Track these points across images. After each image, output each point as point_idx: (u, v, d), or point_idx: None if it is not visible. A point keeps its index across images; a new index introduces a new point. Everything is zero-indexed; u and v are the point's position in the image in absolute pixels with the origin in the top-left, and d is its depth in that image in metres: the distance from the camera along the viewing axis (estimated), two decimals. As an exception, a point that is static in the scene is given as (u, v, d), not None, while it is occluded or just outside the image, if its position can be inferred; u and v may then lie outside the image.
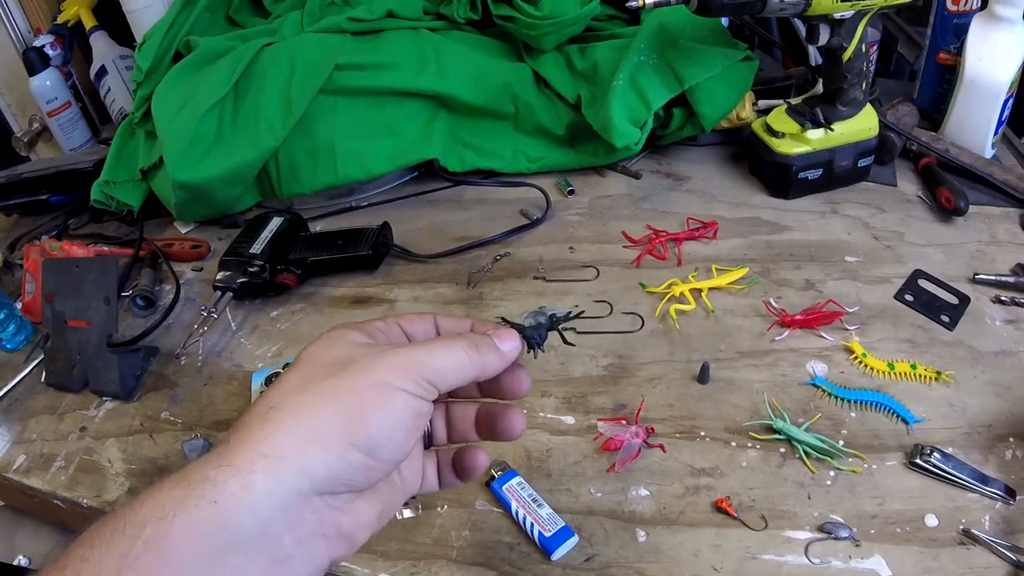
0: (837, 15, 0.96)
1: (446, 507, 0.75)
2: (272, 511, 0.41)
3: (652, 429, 0.79)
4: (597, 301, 0.96)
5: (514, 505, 0.73)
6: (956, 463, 0.74)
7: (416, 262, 1.06)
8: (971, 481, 0.73)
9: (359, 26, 1.16)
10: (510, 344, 0.52)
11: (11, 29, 1.47)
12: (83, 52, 1.49)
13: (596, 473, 0.77)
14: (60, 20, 1.47)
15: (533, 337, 0.55)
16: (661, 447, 0.78)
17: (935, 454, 0.74)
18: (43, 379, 0.95)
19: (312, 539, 0.43)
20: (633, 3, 0.92)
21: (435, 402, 0.48)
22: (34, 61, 1.39)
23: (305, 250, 1.03)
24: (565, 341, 0.59)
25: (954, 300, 0.93)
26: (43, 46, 1.42)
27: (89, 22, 1.45)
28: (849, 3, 0.94)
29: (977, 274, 0.95)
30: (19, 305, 1.04)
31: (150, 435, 0.86)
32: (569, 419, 0.82)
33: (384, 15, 1.17)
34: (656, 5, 0.92)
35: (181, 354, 0.95)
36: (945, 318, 0.91)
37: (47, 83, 1.40)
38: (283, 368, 0.90)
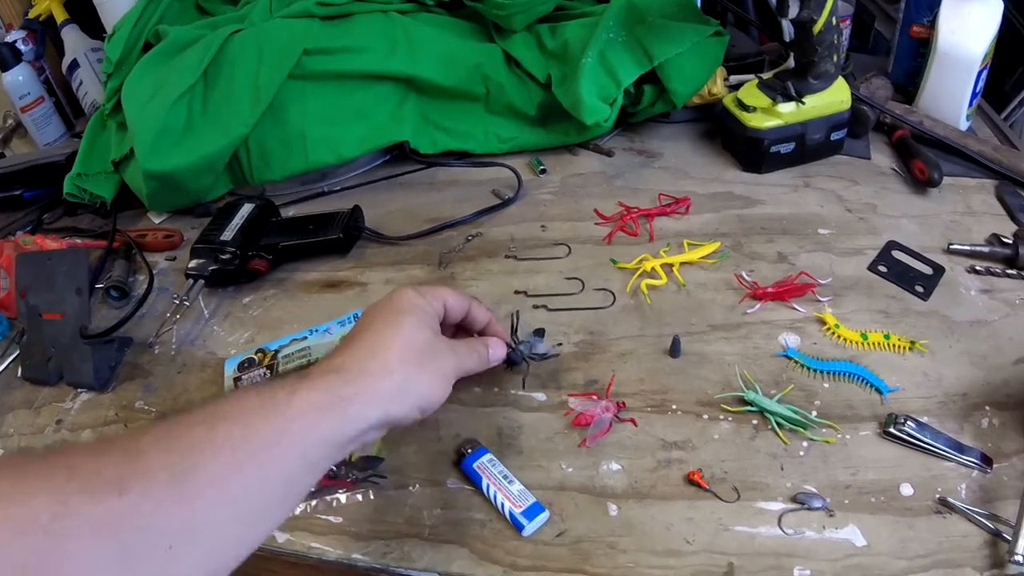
0: (806, -13, 0.95)
1: (418, 486, 0.75)
2: (364, 429, 0.60)
3: (623, 403, 0.79)
4: (569, 278, 0.96)
5: (485, 482, 0.72)
6: (931, 432, 0.74)
7: (388, 244, 1.06)
8: (947, 450, 0.73)
9: (328, 10, 1.15)
10: (498, 356, 0.77)
11: (-18, 25, 1.47)
12: (55, 46, 1.49)
13: (567, 449, 0.76)
14: (32, 15, 1.46)
15: (514, 359, 0.82)
16: (632, 421, 0.78)
17: (909, 423, 0.74)
18: (20, 374, 0.95)
19: (356, 443, 0.62)
20: None
21: None
22: (6, 57, 1.38)
23: (276, 235, 1.03)
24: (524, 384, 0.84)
25: (928, 270, 0.93)
26: (15, 41, 1.41)
27: (60, 16, 1.44)
28: (817, -26, 0.94)
29: (951, 244, 0.95)
30: (-7, 301, 1.03)
31: (124, 425, 0.86)
32: (540, 396, 0.82)
33: (352, -1, 1.17)
34: None
35: (154, 343, 0.94)
36: (919, 288, 0.91)
37: (20, 78, 1.39)
38: (256, 353, 0.89)
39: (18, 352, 0.96)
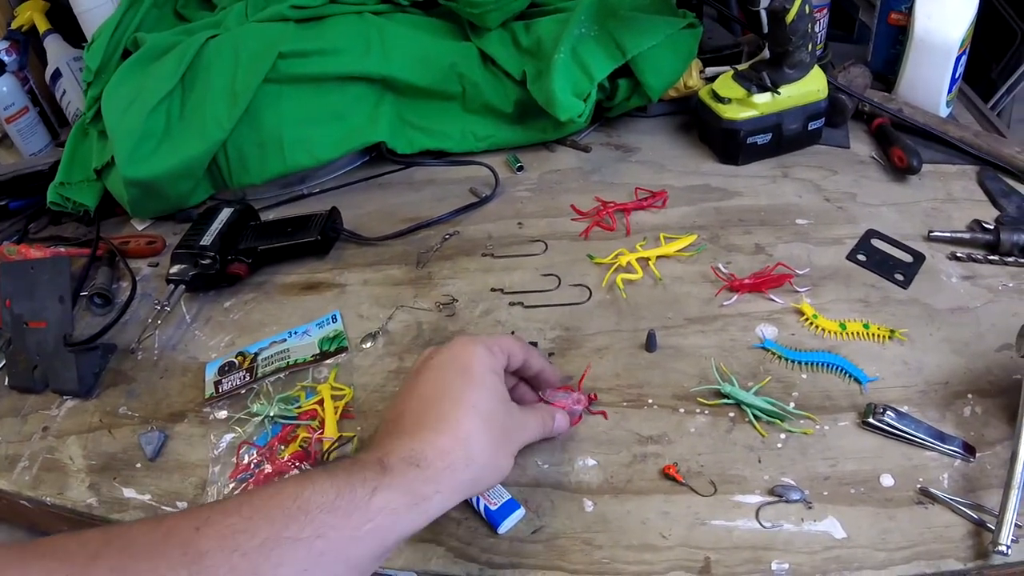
0: (777, -24, 0.95)
1: (394, 486, 0.75)
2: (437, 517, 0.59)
3: (595, 396, 0.79)
4: (545, 275, 0.96)
5: (459, 480, 0.73)
6: (911, 421, 0.74)
7: (366, 245, 1.06)
8: (928, 439, 0.72)
9: (302, 13, 1.15)
10: (561, 428, 0.74)
11: (-34, 37, 1.47)
12: (38, 56, 1.49)
13: (542, 445, 0.76)
14: (14, 25, 1.46)
15: None
16: (603, 414, 0.78)
17: (888, 413, 0.74)
18: (6, 382, 0.95)
19: None
20: None
21: None
22: (-10, 68, 1.38)
23: (255, 239, 1.03)
24: None
25: (908, 258, 0.93)
26: (-2, 52, 1.42)
27: (43, 25, 1.44)
28: (787, -37, 0.94)
29: (932, 231, 0.95)
30: (-21, 311, 1.03)
31: (109, 430, 0.86)
32: (516, 392, 0.82)
33: (327, 1, 1.17)
34: None
35: (136, 349, 0.95)
36: (899, 276, 0.90)
37: (3, 89, 1.39)
38: (236, 357, 0.90)
39: (4, 361, 0.97)
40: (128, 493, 0.79)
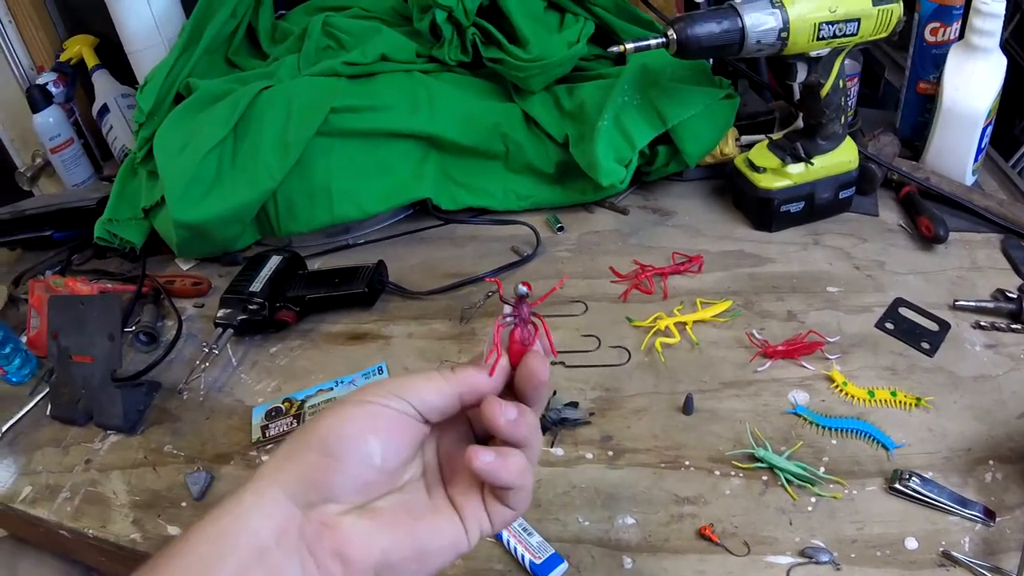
0: (813, 53, 0.98)
1: (440, 538, 0.77)
2: (258, 522, 0.46)
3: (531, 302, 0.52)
4: (585, 335, 0.98)
5: (505, 534, 0.75)
6: (935, 487, 0.76)
7: (411, 298, 1.08)
8: (950, 504, 0.75)
9: (354, 69, 1.19)
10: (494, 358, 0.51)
11: (14, 66, 1.50)
12: (85, 89, 1.52)
13: (584, 502, 0.79)
14: (63, 58, 1.50)
15: (545, 425, 0.85)
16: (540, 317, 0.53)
17: (914, 479, 0.76)
18: (48, 412, 0.97)
19: (297, 553, 0.46)
20: (614, 48, 0.95)
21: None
22: (37, 99, 1.42)
23: (303, 288, 1.06)
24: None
25: (934, 327, 0.95)
26: (46, 84, 1.45)
27: (91, 60, 1.48)
28: (824, 42, 0.97)
29: (957, 301, 0.97)
30: (24, 339, 1.06)
31: (153, 467, 0.88)
32: (558, 451, 0.85)
33: (378, 59, 1.20)
34: (637, 50, 0.94)
35: (183, 389, 0.97)
36: (925, 345, 0.93)
37: (50, 120, 1.43)
38: (283, 403, 0.93)
39: (47, 391, 0.99)
40: (173, 531, 0.81)
